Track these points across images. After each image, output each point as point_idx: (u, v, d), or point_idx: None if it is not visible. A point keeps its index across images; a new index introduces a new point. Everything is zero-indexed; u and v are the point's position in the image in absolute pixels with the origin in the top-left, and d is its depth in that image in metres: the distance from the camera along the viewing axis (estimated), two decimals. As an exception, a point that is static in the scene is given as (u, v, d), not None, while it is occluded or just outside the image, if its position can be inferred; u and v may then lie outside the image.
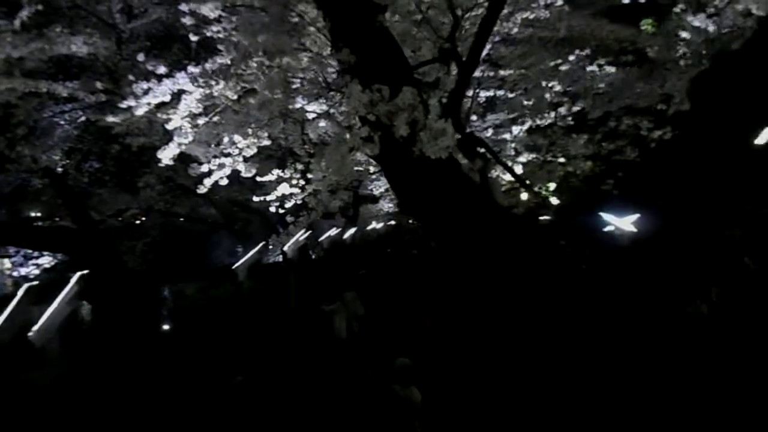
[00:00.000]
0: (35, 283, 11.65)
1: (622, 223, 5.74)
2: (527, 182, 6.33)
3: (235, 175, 17.64)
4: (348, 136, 4.68)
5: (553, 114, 8.03)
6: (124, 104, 5.17)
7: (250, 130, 5.61)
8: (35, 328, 7.76)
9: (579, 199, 8.21)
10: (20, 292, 10.44)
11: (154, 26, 12.42)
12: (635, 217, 5.70)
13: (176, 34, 11.87)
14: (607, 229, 5.95)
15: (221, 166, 5.89)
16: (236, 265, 11.75)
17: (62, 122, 13.97)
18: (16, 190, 14.24)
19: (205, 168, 5.84)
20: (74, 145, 14.93)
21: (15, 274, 13.70)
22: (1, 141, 9.25)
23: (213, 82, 4.97)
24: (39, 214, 16.50)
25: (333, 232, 19.24)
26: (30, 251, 13.26)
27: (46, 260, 14.06)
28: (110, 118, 11.60)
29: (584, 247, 4.39)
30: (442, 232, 4.92)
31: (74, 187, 14.73)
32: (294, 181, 7.73)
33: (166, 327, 14.34)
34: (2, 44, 6.89)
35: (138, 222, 18.50)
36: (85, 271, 7.89)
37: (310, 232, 13.08)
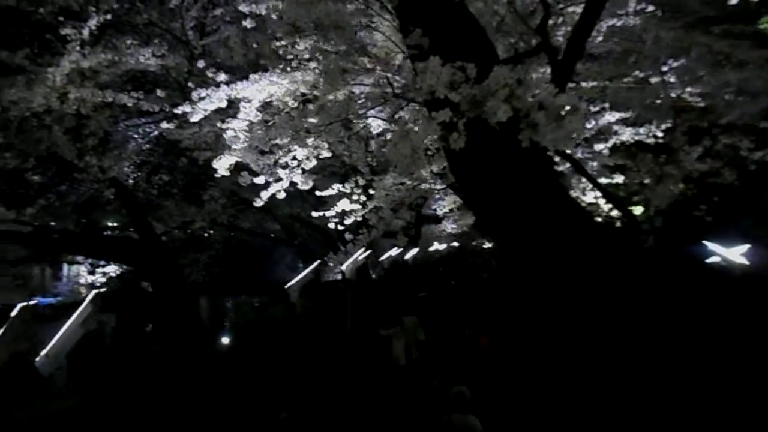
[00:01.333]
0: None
1: (731, 254, 4.94)
2: (620, 203, 5.61)
3: (297, 190, 17.56)
4: (416, 128, 3.72)
5: (641, 130, 7.28)
6: (179, 110, 4.94)
7: (309, 140, 5.23)
8: (43, 352, 7.23)
9: (676, 225, 7.36)
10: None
11: (226, 43, 12.58)
12: (745, 248, 4.89)
13: (247, 51, 11.98)
14: (712, 259, 5.16)
15: (278, 178, 5.53)
16: (289, 284, 11.43)
17: (135, 135, 14.41)
18: (89, 200, 14.71)
19: (261, 180, 5.50)
20: (146, 158, 15.37)
21: (82, 281, 14.04)
22: (71, 150, 9.34)
23: (273, 88, 4.64)
24: (115, 224, 17.03)
25: (394, 252, 18.75)
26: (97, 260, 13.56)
27: (113, 269, 14.33)
28: (179, 132, 11.76)
29: (692, 278, 3.62)
30: (531, 252, 3.81)
31: (140, 199, 15.10)
32: (355, 197, 7.33)
33: (225, 340, 14.33)
34: (71, 53, 6.90)
35: (204, 235, 18.75)
36: (102, 290, 7.66)
37: (369, 251, 12.65)
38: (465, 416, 5.58)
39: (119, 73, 9.32)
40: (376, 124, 10.08)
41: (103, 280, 14.15)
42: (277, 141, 4.68)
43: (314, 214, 8.64)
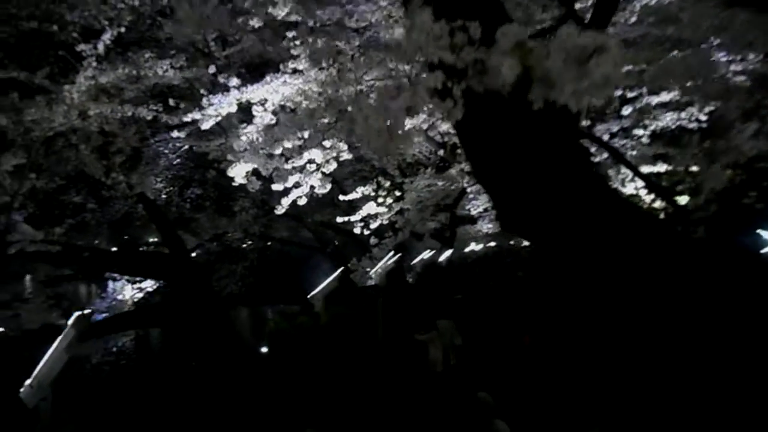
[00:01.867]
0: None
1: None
2: (665, 191, 5.18)
3: (329, 197, 17.36)
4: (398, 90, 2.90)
5: (682, 114, 6.80)
6: (188, 117, 4.78)
7: (326, 142, 4.98)
8: (28, 382, 6.76)
9: (726, 214, 6.84)
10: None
11: (249, 53, 12.54)
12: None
13: (270, 60, 11.93)
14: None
15: (297, 184, 5.31)
16: (312, 293, 11.23)
17: (166, 151, 14.55)
18: (124, 217, 14.89)
19: (279, 186, 5.28)
20: (177, 172, 15.51)
21: (119, 297, 14.19)
22: (99, 168, 9.37)
23: (285, 89, 4.42)
24: (155, 240, 17.22)
25: (426, 254, 18.39)
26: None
27: (149, 284, 14.43)
28: (205, 144, 11.75)
29: (747, 272, 3.19)
30: (567, 250, 3.23)
31: (173, 213, 15.21)
32: (380, 199, 7.06)
33: (264, 350, 14.27)
34: (87, 69, 6.86)
35: (238, 246, 18.80)
36: (86, 311, 7.43)
37: (399, 255, 12.36)
38: (488, 424, 5.43)
39: (143, 88, 9.33)
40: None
41: (140, 295, 14.28)
42: (286, 143, 4.44)
43: (339, 219, 8.39)
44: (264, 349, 13.87)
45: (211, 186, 16.10)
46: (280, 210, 5.72)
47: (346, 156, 5.58)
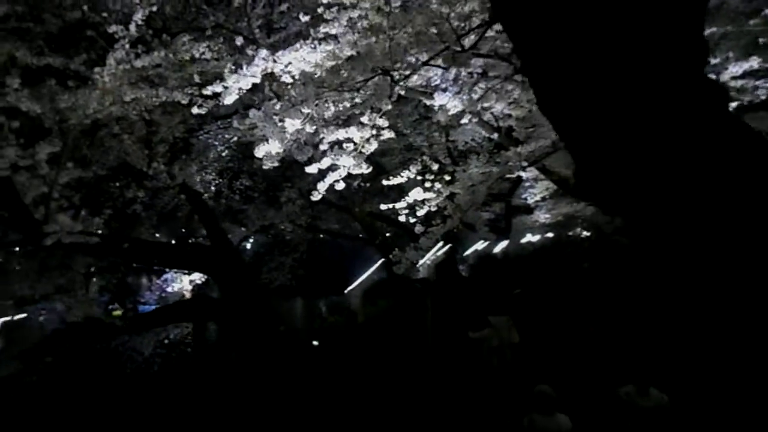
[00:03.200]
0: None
1: None
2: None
3: (378, 187, 16.73)
4: None
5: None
6: (208, 90, 4.34)
7: (364, 118, 4.43)
8: None
9: None
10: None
11: (296, 40, 12.17)
12: None
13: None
14: None
15: (333, 167, 4.79)
16: (349, 288, 10.74)
17: (215, 143, 14.42)
18: (174, 209, 14.88)
19: (313, 169, 4.78)
20: (226, 164, 15.40)
21: (169, 289, 14.20)
22: (142, 159, 9.18)
23: (315, 56, 3.89)
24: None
25: (480, 245, 17.61)
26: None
27: (197, 276, 14.38)
28: (250, 133, 11.44)
29: None
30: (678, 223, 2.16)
31: (222, 205, 15.10)
32: (428, 184, 6.46)
33: (315, 343, 13.98)
34: (118, 51, 6.56)
35: (287, 238, 18.62)
36: (8, 318, 7.10)
37: (449, 246, 11.69)
38: (549, 417, 5.29)
39: (185, 76, 9.07)
40: (452, 104, 9.07)
41: (190, 287, 14.25)
42: (318, 117, 3.91)
43: (383, 207, 7.84)
44: (315, 342, 13.63)
45: (259, 177, 15.92)
46: (316, 195, 5.21)
47: (387, 135, 5.01)
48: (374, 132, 4.75)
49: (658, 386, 5.82)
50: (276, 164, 4.77)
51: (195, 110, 5.51)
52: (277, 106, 3.79)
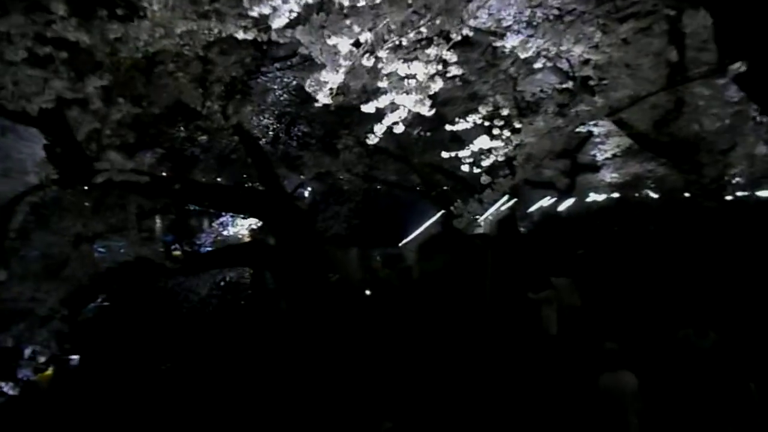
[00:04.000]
0: None
1: None
2: None
3: (439, 137, 16.05)
4: None
5: None
6: (254, 11, 3.87)
7: (429, 50, 3.88)
8: None
9: None
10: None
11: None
12: None
13: None
14: None
15: (393, 105, 4.28)
16: (404, 241, 10.29)
17: (274, 86, 14.09)
18: (231, 152, 14.79)
19: (370, 107, 4.29)
20: (283, 108, 15.09)
21: (225, 233, 14.28)
22: (197, 98, 8.92)
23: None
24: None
25: (545, 202, 16.81)
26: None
27: (253, 221, 14.35)
28: (307, 75, 10.97)
29: None
30: None
31: (280, 151, 14.88)
32: (496, 131, 5.85)
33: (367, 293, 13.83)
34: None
35: (343, 187, 18.39)
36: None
37: (515, 200, 11.01)
38: (616, 374, 5.36)
39: (243, 13, 8.65)
40: (524, 47, 8.25)
41: (245, 232, 14.27)
42: (376, 47, 3.38)
43: (444, 154, 7.30)
44: (368, 292, 13.47)
45: (317, 123, 15.58)
46: (373, 139, 4.74)
47: (454, 71, 4.43)
48: (440, 67, 4.19)
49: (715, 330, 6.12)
50: (330, 101, 4.30)
51: (241, 35, 5.04)
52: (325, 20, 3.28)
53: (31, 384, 7.15)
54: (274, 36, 4.79)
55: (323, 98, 4.24)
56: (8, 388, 6.69)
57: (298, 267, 10.03)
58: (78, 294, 7.74)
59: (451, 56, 4.16)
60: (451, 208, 5.12)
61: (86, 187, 7.41)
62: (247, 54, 10.68)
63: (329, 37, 3.22)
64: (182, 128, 9.95)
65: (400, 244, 10.20)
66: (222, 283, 14.55)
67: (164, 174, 8.87)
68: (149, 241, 8.83)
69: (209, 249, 14.27)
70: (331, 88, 4.20)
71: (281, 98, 14.50)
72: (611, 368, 5.38)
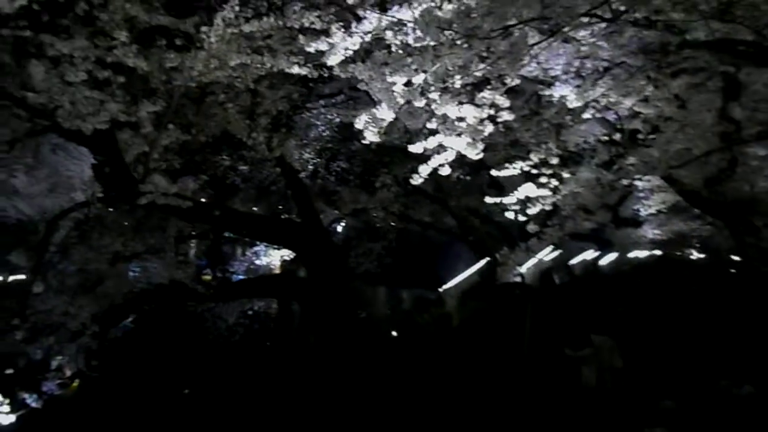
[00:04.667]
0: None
1: None
2: None
3: (478, 182, 15.95)
4: None
5: None
6: (311, 47, 3.89)
7: (483, 94, 3.82)
8: None
9: None
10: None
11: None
12: None
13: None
14: None
15: (441, 147, 4.21)
16: (445, 286, 10.08)
17: (317, 122, 14.32)
18: (270, 184, 14.95)
19: (418, 148, 4.23)
20: (325, 144, 15.28)
21: (258, 262, 14.30)
22: (243, 128, 9.08)
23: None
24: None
25: (587, 255, 16.35)
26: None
27: (287, 252, 14.35)
28: (353, 114, 11.11)
29: None
30: None
31: (318, 185, 14.98)
32: (543, 179, 5.71)
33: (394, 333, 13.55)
34: (226, 10, 6.34)
35: (378, 225, 18.35)
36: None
37: (559, 252, 10.73)
38: None
39: (294, 50, 8.84)
40: (572, 97, 8.18)
41: (277, 263, 14.26)
42: (428, 89, 3.33)
43: (488, 200, 7.17)
44: (395, 333, 13.20)
45: (357, 160, 15.71)
46: (417, 179, 4.67)
47: (505, 116, 4.36)
48: (491, 112, 4.12)
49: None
50: (377, 139, 4.26)
51: (296, 70, 5.09)
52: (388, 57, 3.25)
53: (55, 398, 7.15)
54: (325, 72, 4.84)
55: (372, 136, 4.21)
56: (32, 401, 6.69)
57: (327, 301, 9.93)
58: (110, 312, 7.77)
59: (504, 101, 4.10)
60: (496, 255, 4.96)
61: (129, 208, 7.53)
62: (295, 90, 10.93)
63: (390, 74, 3.19)
64: (226, 157, 10.12)
65: (439, 289, 10.03)
66: (250, 312, 14.50)
67: (205, 200, 8.95)
68: (184, 264, 8.89)
69: (241, 277, 14.30)
70: (380, 126, 4.17)
71: (324, 134, 14.72)
72: (667, 426, 5.44)
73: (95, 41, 5.42)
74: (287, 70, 7.74)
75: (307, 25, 7.60)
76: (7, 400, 6.88)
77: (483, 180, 14.84)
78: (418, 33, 3.03)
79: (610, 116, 10.20)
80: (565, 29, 3.58)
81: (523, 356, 8.15)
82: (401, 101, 3.50)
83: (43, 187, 8.57)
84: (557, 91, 7.63)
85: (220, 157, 10.14)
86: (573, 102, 7.58)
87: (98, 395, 8.96)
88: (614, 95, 8.08)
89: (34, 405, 6.71)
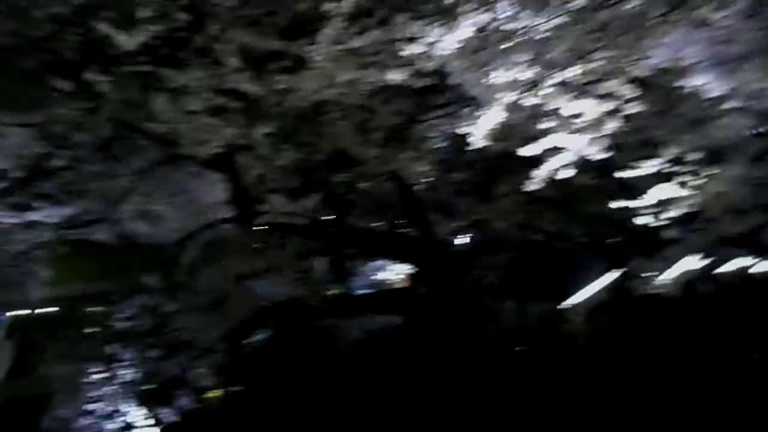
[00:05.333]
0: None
1: None
2: None
3: (606, 186, 14.90)
4: None
5: None
6: (407, 51, 3.67)
7: (608, 85, 3.40)
8: None
9: None
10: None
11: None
12: None
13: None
14: None
15: (556, 148, 3.82)
16: (571, 301, 9.30)
17: (433, 135, 14.23)
18: (387, 198, 15.05)
19: (533, 149, 3.87)
20: (440, 156, 15.11)
21: (377, 277, 14.36)
22: (356, 144, 9.16)
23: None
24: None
25: (741, 263, 14.39)
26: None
27: (406, 267, 14.29)
28: (467, 123, 10.82)
29: None
30: None
31: (434, 197, 14.79)
32: (680, 179, 5.05)
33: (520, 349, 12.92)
34: (330, 27, 6.37)
35: (500, 236, 17.77)
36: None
37: (710, 260, 9.53)
38: None
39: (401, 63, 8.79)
40: (712, 86, 7.35)
41: (394, 278, 14.23)
42: (540, 83, 2.98)
43: (617, 204, 6.52)
44: (521, 349, 12.53)
45: (473, 170, 15.35)
46: (530, 185, 4.30)
47: (629, 110, 3.86)
48: (617, 104, 3.66)
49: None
50: (488, 143, 3.97)
51: (400, 78, 4.95)
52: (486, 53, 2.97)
53: (193, 412, 7.57)
54: (437, 81, 4.64)
55: (480, 141, 3.93)
56: (165, 415, 7.10)
57: (450, 316, 9.67)
58: (238, 329, 8.11)
59: (628, 92, 3.62)
60: (629, 265, 4.43)
61: (253, 228, 7.85)
62: (406, 103, 10.90)
63: (490, 73, 2.91)
64: (342, 174, 10.27)
65: (566, 303, 9.37)
66: (371, 329, 14.54)
67: (323, 218, 9.14)
68: (304, 281, 9.11)
69: (361, 293, 14.44)
70: (490, 130, 3.87)
71: (437, 146, 14.55)
72: None
73: (209, 71, 5.67)
74: (395, 83, 7.69)
75: (409, 36, 7.52)
76: (152, 414, 7.36)
77: (611, 183, 13.78)
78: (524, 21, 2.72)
79: (760, 105, 9.04)
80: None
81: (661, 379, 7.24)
82: (506, 101, 3.18)
83: (178, 211, 9.21)
84: (695, 81, 6.86)
85: (336, 175, 10.32)
86: (712, 92, 6.77)
87: (239, 407, 9.38)
88: (760, 83, 7.13)
89: (168, 419, 7.12)
